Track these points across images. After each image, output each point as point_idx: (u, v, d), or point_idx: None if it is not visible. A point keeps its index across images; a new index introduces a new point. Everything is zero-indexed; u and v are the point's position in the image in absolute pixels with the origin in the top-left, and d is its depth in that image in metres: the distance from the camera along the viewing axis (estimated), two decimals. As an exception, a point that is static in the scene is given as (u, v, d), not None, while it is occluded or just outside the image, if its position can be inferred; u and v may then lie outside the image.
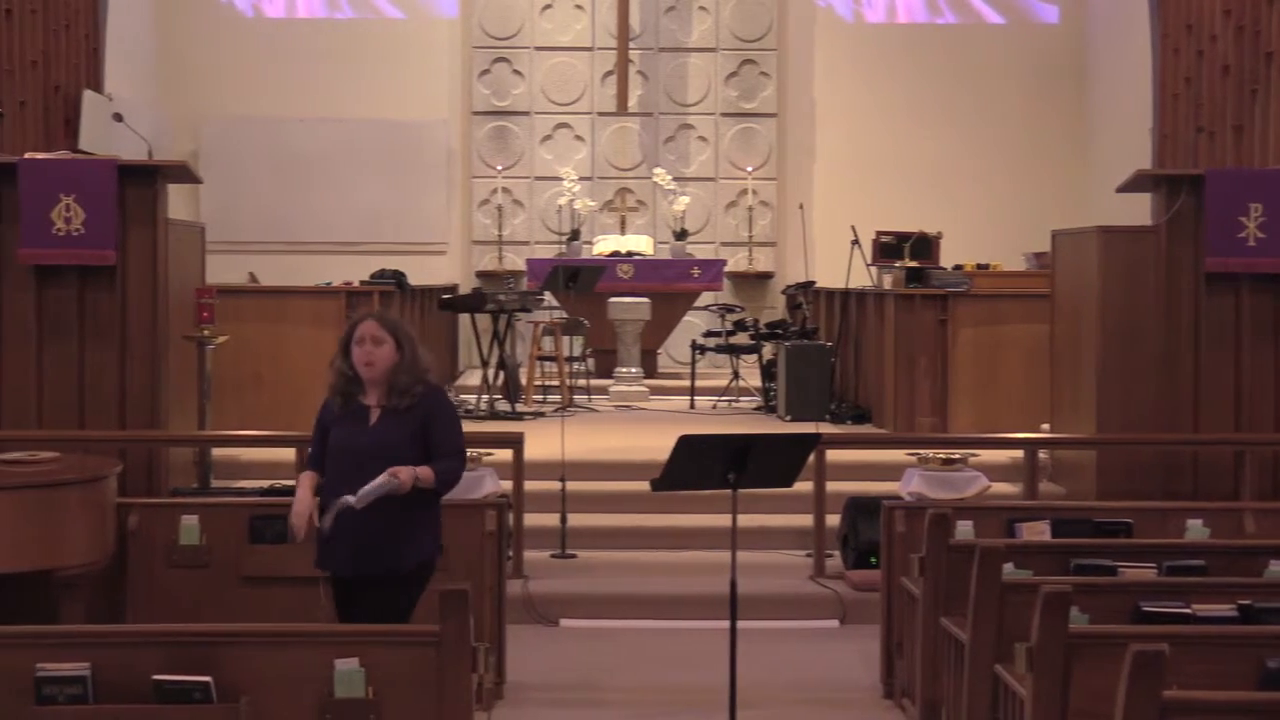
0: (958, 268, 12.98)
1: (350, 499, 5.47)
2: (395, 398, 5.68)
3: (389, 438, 5.60)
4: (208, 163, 16.52)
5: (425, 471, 5.61)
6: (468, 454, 8.71)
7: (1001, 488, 9.73)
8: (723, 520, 7.12)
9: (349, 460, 5.60)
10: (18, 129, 11.53)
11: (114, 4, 14.26)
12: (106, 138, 12.51)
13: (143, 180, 8.25)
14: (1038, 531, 7.02)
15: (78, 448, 7.45)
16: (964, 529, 6.89)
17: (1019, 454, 9.59)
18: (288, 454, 8.85)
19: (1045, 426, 10.34)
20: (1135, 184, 9.48)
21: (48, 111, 12.37)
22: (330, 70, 17.25)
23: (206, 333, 9.06)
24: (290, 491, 8.03)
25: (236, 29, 17.43)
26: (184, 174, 8.87)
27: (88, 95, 13.16)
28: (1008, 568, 5.96)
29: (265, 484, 8.86)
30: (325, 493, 5.68)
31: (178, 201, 11.17)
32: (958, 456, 9.11)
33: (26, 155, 8.60)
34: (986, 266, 12.85)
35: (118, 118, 10.13)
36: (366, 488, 5.47)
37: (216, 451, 9.64)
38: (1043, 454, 9.79)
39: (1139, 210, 10.28)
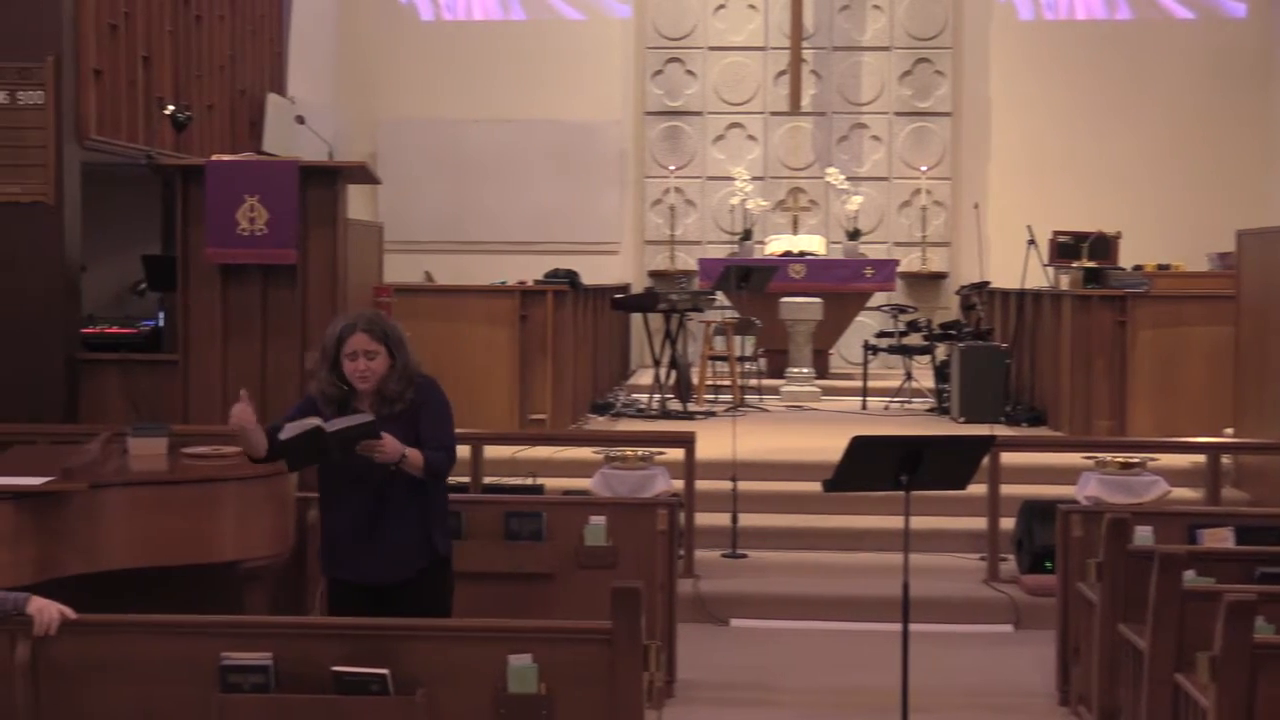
0: (1137, 268, 12.73)
1: (319, 421, 5.27)
2: (386, 406, 5.43)
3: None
4: (384, 163, 16.80)
5: (415, 453, 5.37)
6: (642, 453, 8.85)
7: (1182, 493, 9.51)
8: (895, 522, 7.06)
9: (340, 471, 5.43)
10: (205, 131, 11.83)
11: (298, 9, 14.58)
12: (289, 139, 12.78)
13: (324, 181, 8.39)
14: (1221, 538, 6.84)
15: (260, 442, 7.60)
16: (1143, 534, 6.74)
17: (1200, 459, 9.37)
18: (462, 451, 8.94)
19: (1229, 430, 10.09)
20: (1325, 182, 9.21)
21: (234, 114, 12.68)
22: (504, 72, 17.46)
23: (384, 331, 9.18)
24: (461, 489, 8.15)
25: (414, 32, 17.72)
26: (363, 175, 9.01)
27: (271, 98, 13.46)
28: (1189, 575, 5.83)
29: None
30: (325, 504, 5.59)
31: (356, 201, 11.38)
32: (1136, 460, 8.93)
33: (213, 157, 8.81)
34: (1168, 267, 12.58)
35: (300, 120, 10.33)
36: (339, 420, 5.28)
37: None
38: (1226, 459, 9.55)
39: (1329, 209, 10.01)
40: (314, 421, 5.27)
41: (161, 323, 10.38)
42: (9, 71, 8.87)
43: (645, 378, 14.57)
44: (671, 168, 17.87)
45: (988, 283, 14.64)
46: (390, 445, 5.30)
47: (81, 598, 5.15)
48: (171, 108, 10.55)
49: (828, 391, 14.72)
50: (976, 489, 7.40)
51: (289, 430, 5.30)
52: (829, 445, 7.98)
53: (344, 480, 5.48)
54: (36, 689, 4.82)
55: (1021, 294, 13.26)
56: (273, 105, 13.41)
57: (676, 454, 8.97)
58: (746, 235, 17.10)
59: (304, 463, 5.52)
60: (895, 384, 14.48)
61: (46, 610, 4.83)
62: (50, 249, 8.95)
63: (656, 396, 13.24)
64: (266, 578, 6.57)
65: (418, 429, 5.46)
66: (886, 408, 14.00)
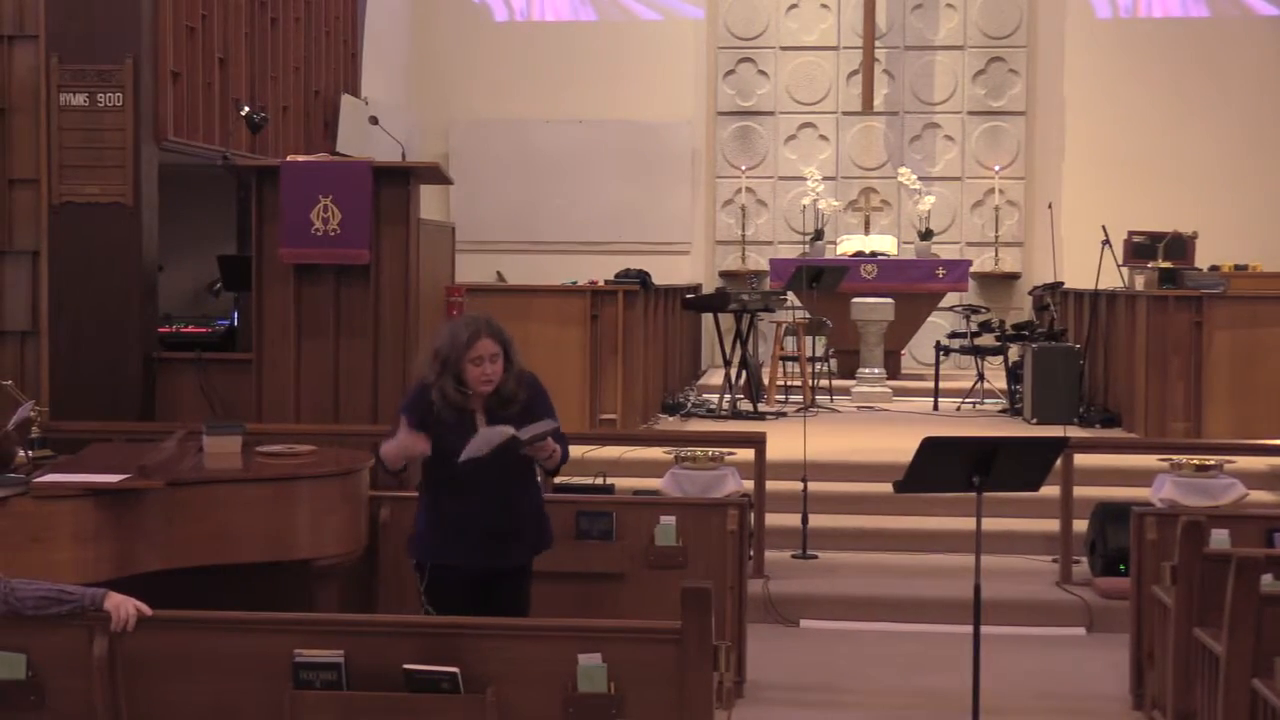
0: (1214, 268, 12.61)
1: (512, 429, 5.43)
2: (504, 407, 5.62)
3: None
4: (456, 164, 16.89)
5: (556, 448, 5.67)
6: (712, 453, 8.87)
7: (1259, 496, 9.41)
8: (967, 523, 7.02)
9: (468, 464, 5.51)
10: (280, 132, 11.93)
11: (372, 10, 14.67)
12: (362, 140, 12.86)
13: (396, 181, 8.45)
14: (1299, 542, 6.77)
15: (333, 441, 7.67)
16: (1219, 537, 6.68)
17: (1278, 461, 9.26)
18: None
19: (1307, 433, 9.98)
20: (1406, 181, 9.08)
21: (308, 115, 12.78)
22: (577, 72, 17.50)
23: (456, 330, 9.23)
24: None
25: (487, 33, 17.79)
26: (435, 175, 9.06)
27: (345, 99, 13.56)
28: (1266, 579, 5.75)
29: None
30: (441, 493, 5.69)
31: (429, 202, 11.43)
32: (1213, 462, 8.84)
33: (288, 158, 8.89)
34: (1245, 267, 12.45)
35: (373, 121, 10.40)
36: (531, 427, 5.48)
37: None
38: (1304, 462, 9.46)
39: None
40: (508, 431, 5.43)
41: (236, 322, 10.48)
42: (89, 74, 8.98)
43: (716, 378, 14.56)
44: (743, 168, 17.85)
45: (1061, 283, 14.53)
46: (552, 445, 5.60)
47: (156, 594, 5.21)
48: (247, 109, 10.65)
49: (899, 392, 14.66)
50: (1049, 491, 7.36)
51: (484, 446, 5.40)
52: (900, 446, 7.96)
53: (454, 485, 5.61)
54: (113, 683, 4.88)
55: (1096, 294, 13.15)
56: (347, 106, 13.51)
57: (747, 454, 8.96)
58: (818, 235, 17.05)
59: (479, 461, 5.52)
60: (967, 385, 14.40)
61: (123, 606, 4.90)
62: (128, 249, 9.05)
63: (727, 396, 13.23)
64: (338, 576, 6.62)
65: (530, 419, 5.60)
66: (958, 409, 13.93)
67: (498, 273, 15.39)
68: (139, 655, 4.90)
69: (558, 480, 8.81)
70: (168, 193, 9.53)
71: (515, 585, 5.81)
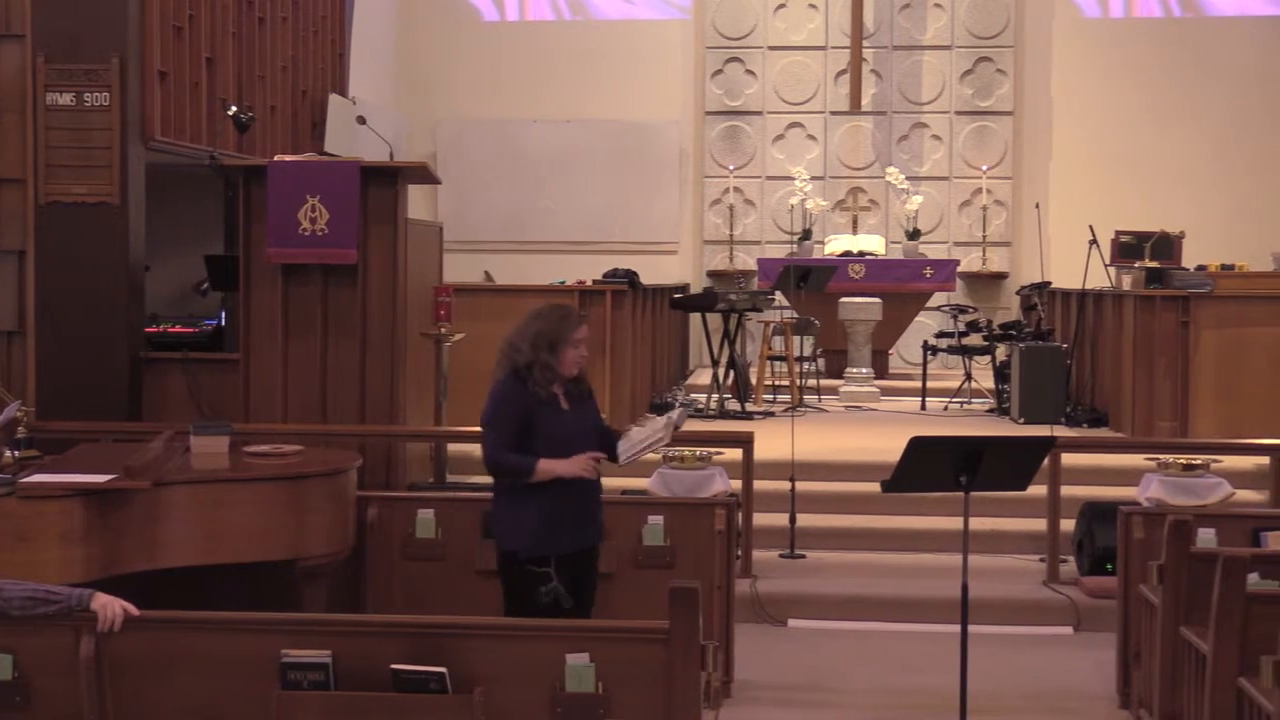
0: (1201, 268, 12.61)
1: (673, 417, 6.10)
2: (578, 387, 6.06)
3: (586, 423, 6.01)
4: (444, 164, 16.89)
5: None
6: (700, 453, 8.89)
7: (1245, 495, 9.42)
8: (954, 523, 7.02)
9: (560, 446, 5.85)
10: (268, 132, 11.92)
11: (359, 10, 14.67)
12: (350, 140, 12.86)
13: (384, 181, 8.45)
14: (1284, 541, 6.78)
15: (320, 442, 7.67)
16: (1205, 537, 6.69)
17: (1265, 460, 9.28)
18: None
19: (1293, 432, 9.99)
20: (1392, 181, 9.10)
21: (296, 115, 12.76)
22: (565, 72, 17.50)
23: (443, 330, 9.25)
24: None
25: (475, 32, 17.78)
26: (423, 175, 9.06)
27: (333, 99, 13.54)
28: (1252, 578, 5.77)
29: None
30: (541, 488, 5.85)
31: (416, 202, 11.44)
32: (1199, 462, 8.85)
33: (275, 158, 8.88)
34: (1232, 267, 12.46)
35: (361, 121, 10.41)
36: (674, 412, 6.15)
37: (451, 447, 9.83)
38: (1290, 461, 9.46)
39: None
40: (673, 417, 6.11)
41: (223, 322, 10.48)
42: (75, 73, 8.97)
43: (704, 377, 14.56)
44: (731, 167, 17.85)
45: (1049, 283, 14.54)
46: None
47: (143, 595, 5.20)
48: (234, 109, 10.64)
49: (887, 392, 14.67)
50: (1037, 490, 7.36)
51: (651, 437, 6.06)
52: (888, 446, 7.97)
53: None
54: (100, 683, 4.88)
55: (1083, 294, 13.16)
56: (334, 106, 13.50)
57: (735, 454, 8.96)
58: (806, 235, 17.06)
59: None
60: (955, 384, 14.41)
61: (110, 606, 4.89)
62: (115, 249, 9.05)
63: (715, 396, 13.23)
64: (325, 576, 6.62)
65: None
66: (946, 408, 13.93)
67: (485, 272, 15.36)
68: (126, 656, 4.90)
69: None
70: (155, 192, 9.52)
71: (594, 566, 6.12)
